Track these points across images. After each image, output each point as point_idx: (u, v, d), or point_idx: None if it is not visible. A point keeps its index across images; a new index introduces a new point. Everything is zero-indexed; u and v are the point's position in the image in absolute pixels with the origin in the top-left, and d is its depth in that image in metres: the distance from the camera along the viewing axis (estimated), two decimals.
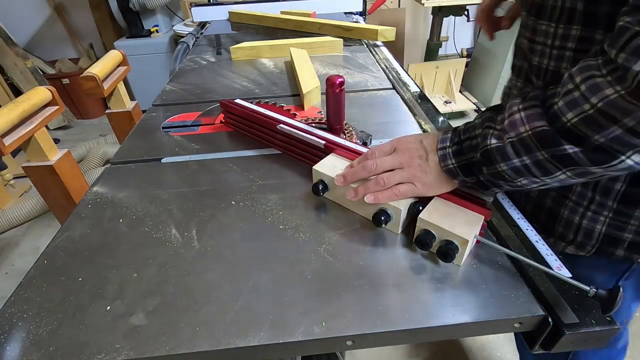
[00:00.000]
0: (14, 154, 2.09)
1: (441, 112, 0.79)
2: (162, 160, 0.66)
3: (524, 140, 0.38)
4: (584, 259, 0.53)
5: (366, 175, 0.48)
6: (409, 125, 0.75)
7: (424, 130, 0.72)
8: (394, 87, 0.91)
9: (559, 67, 0.46)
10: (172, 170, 0.63)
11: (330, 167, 0.53)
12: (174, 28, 2.55)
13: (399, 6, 2.78)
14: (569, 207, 0.52)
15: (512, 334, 0.72)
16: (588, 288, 0.37)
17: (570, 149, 0.35)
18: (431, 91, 2.58)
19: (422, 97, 0.85)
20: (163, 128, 0.76)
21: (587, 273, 0.49)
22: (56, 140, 2.16)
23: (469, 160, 0.43)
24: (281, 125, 0.62)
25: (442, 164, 0.45)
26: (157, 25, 2.59)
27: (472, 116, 2.61)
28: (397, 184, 0.46)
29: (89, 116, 2.92)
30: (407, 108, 0.81)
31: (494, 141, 0.40)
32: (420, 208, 0.46)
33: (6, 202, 1.89)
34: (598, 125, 0.33)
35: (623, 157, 0.33)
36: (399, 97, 0.86)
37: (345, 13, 1.66)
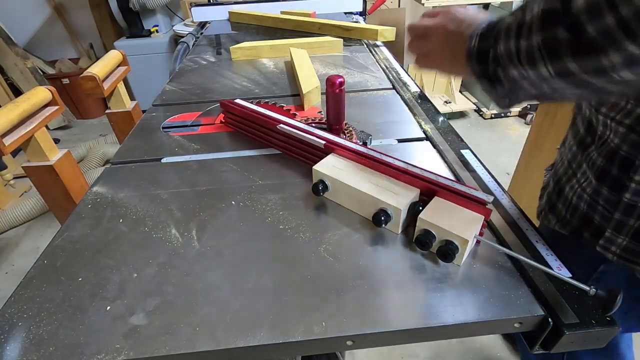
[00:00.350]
0: (14, 154, 2.09)
1: (441, 112, 0.79)
2: (162, 160, 0.66)
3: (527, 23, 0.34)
4: (565, 240, 0.53)
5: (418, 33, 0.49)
6: (409, 125, 0.75)
7: (424, 130, 0.72)
8: (394, 87, 0.91)
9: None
10: (172, 170, 0.63)
11: (330, 167, 0.53)
12: (174, 28, 2.55)
13: (399, 6, 2.78)
14: (570, 185, 0.52)
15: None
16: (588, 288, 0.37)
17: (562, 33, 0.32)
18: (431, 91, 2.58)
19: (422, 97, 0.85)
20: (163, 128, 0.76)
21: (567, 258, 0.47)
22: (56, 140, 2.16)
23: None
24: (281, 125, 0.63)
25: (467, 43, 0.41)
26: (157, 25, 2.59)
27: (472, 116, 2.62)
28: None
29: (89, 116, 2.92)
30: (407, 108, 0.81)
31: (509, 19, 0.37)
32: (420, 208, 0.46)
33: (6, 202, 1.89)
34: (597, 11, 0.29)
35: (606, 61, 0.30)
36: (399, 97, 0.86)
37: (345, 13, 1.66)
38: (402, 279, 0.42)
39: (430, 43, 0.47)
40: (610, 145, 0.46)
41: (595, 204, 0.48)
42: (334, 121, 0.64)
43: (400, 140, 0.69)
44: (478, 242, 0.45)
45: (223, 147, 0.69)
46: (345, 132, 0.67)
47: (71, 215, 0.53)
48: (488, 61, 0.39)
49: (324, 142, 0.57)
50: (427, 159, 0.64)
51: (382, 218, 0.46)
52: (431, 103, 0.83)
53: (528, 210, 0.51)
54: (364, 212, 0.51)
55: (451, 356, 1.28)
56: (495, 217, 0.50)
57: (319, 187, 0.52)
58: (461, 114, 2.56)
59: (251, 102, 0.73)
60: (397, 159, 0.53)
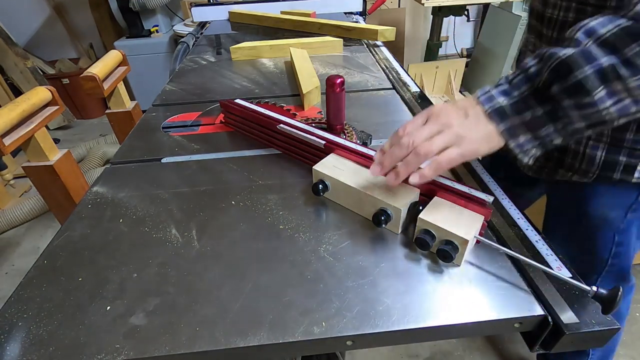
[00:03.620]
0: (14, 154, 2.09)
1: None
2: (162, 160, 0.66)
3: (607, 40, 0.36)
4: (591, 188, 0.61)
5: (405, 153, 0.42)
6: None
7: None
8: (394, 87, 0.91)
9: (567, 17, 0.52)
10: (172, 170, 0.63)
11: (330, 167, 0.53)
12: (174, 28, 2.55)
13: (399, 6, 2.78)
14: (576, 140, 0.56)
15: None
16: (588, 288, 0.37)
17: None
18: (431, 91, 2.58)
19: (422, 97, 0.85)
20: (163, 128, 0.76)
21: (597, 206, 0.59)
22: (56, 140, 2.16)
23: (522, 95, 0.40)
24: (281, 125, 0.62)
25: (487, 106, 0.41)
26: (157, 25, 2.59)
27: None
28: (441, 151, 0.41)
29: (89, 116, 2.92)
30: (407, 108, 0.81)
31: (569, 50, 0.37)
32: (420, 208, 0.46)
33: (6, 202, 1.89)
34: None
35: None
36: (399, 97, 0.86)
37: (345, 13, 1.66)
38: (402, 279, 0.42)
39: (446, 133, 0.42)
40: None
41: (619, 149, 0.55)
42: (334, 121, 0.64)
43: None
44: (478, 242, 0.45)
45: (223, 147, 0.69)
46: (346, 132, 0.67)
47: (71, 215, 0.53)
48: (543, 101, 0.40)
49: (324, 142, 0.57)
50: None
51: (382, 218, 0.46)
52: (431, 103, 0.82)
53: (528, 210, 0.51)
54: (364, 212, 0.51)
55: (451, 356, 1.28)
56: (495, 217, 0.50)
57: (319, 187, 0.52)
58: None
59: (251, 102, 0.73)
60: None
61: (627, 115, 0.38)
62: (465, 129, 0.42)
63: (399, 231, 0.48)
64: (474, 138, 0.41)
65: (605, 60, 0.36)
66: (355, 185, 0.49)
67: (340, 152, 0.56)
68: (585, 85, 0.37)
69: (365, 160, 0.53)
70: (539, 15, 0.58)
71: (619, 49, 0.36)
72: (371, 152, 0.55)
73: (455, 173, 0.59)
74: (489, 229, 0.48)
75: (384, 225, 0.47)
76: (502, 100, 0.41)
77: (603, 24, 0.37)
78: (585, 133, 0.41)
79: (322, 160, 0.55)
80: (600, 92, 0.37)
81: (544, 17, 0.57)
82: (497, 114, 0.41)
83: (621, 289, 0.34)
